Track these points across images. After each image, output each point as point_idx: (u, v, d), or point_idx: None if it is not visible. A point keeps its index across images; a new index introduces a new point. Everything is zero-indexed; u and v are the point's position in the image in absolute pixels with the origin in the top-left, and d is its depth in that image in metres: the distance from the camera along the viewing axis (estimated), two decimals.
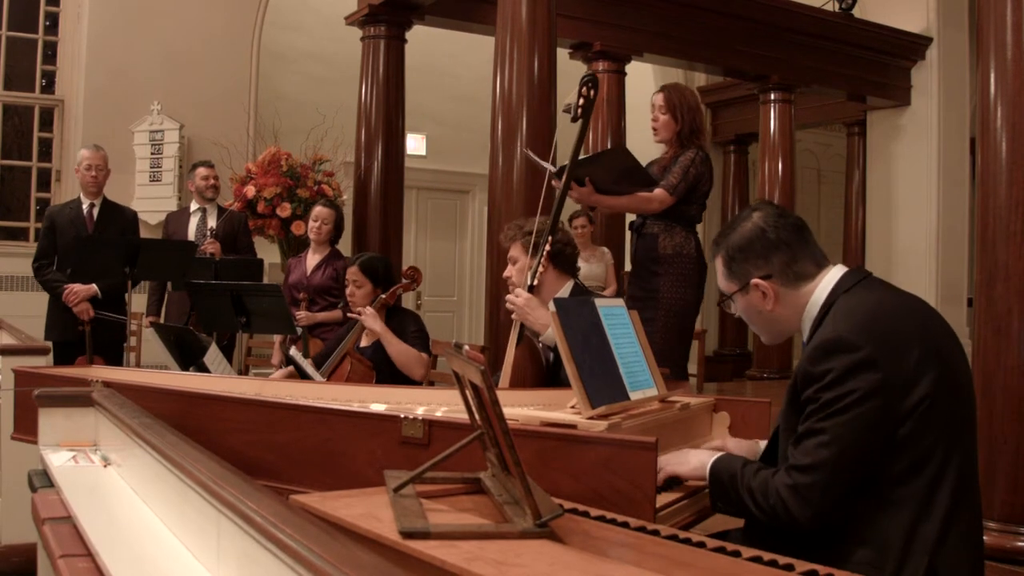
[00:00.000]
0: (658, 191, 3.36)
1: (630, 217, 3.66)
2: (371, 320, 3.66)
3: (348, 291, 3.85)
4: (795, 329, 1.79)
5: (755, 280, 1.76)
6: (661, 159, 3.56)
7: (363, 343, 3.75)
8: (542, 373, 2.87)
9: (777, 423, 1.78)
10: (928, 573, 1.54)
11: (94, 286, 4.70)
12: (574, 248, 3.08)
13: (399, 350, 3.63)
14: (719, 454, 1.80)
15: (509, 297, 2.88)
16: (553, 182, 3.27)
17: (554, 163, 3.50)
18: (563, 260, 3.00)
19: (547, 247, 2.88)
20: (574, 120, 2.87)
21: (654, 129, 3.57)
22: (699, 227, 3.65)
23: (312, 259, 4.96)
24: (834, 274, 1.74)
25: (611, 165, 3.25)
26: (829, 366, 1.58)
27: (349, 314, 3.78)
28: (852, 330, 1.60)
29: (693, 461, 1.81)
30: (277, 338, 4.78)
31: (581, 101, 2.84)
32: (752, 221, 1.78)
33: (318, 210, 4.98)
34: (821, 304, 1.71)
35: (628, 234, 3.85)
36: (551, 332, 2.79)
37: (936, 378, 1.58)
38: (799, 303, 1.75)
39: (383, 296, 3.72)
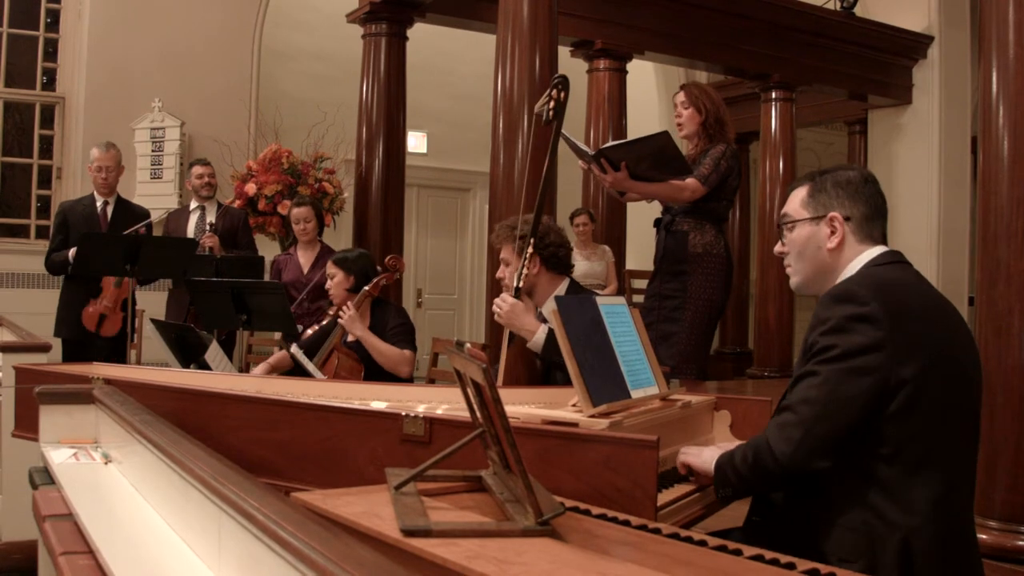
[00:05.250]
0: (690, 180, 3.28)
1: (655, 213, 3.59)
2: (351, 323, 3.65)
3: (327, 285, 3.88)
4: (828, 285, 1.80)
5: (834, 214, 1.78)
6: (687, 155, 3.46)
7: (350, 337, 3.74)
8: (534, 375, 2.87)
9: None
10: (903, 562, 1.55)
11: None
12: (567, 249, 3.06)
13: (382, 351, 3.63)
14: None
15: (496, 302, 2.87)
16: (592, 167, 3.26)
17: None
18: (556, 262, 2.99)
19: (529, 249, 2.85)
20: (546, 123, 2.86)
21: (679, 125, 3.51)
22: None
23: (304, 257, 4.97)
24: (877, 249, 1.78)
25: (648, 151, 3.19)
26: (833, 312, 1.64)
27: (339, 319, 3.75)
28: (863, 286, 1.65)
29: (706, 455, 1.86)
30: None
31: (552, 104, 2.83)
32: (857, 170, 1.84)
33: (296, 211, 5.00)
34: (855, 272, 1.75)
35: (643, 231, 3.78)
36: (538, 338, 2.79)
37: (932, 358, 1.60)
38: (848, 258, 1.78)
39: (367, 288, 3.72)
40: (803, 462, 1.61)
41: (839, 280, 1.77)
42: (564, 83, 2.84)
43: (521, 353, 2.86)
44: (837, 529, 1.60)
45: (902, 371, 1.58)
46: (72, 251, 4.59)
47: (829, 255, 1.78)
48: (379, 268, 3.92)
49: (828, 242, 1.78)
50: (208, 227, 5.21)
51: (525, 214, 3.04)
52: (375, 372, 3.62)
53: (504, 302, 2.83)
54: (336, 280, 3.81)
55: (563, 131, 3.14)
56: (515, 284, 2.87)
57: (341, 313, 3.68)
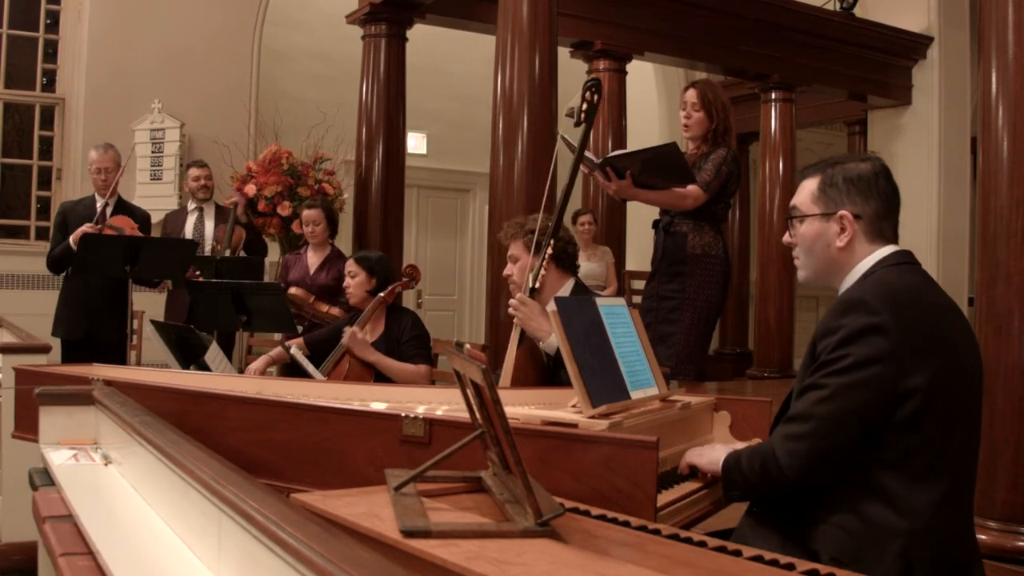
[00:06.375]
0: (692, 187, 3.27)
1: (654, 214, 3.58)
2: (362, 349, 3.54)
3: (344, 283, 3.85)
4: (836, 281, 1.79)
5: (844, 212, 1.74)
6: (687, 155, 3.45)
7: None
8: (543, 375, 2.87)
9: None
10: (903, 568, 1.55)
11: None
12: (575, 246, 3.07)
13: (396, 372, 3.56)
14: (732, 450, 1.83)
15: (512, 303, 2.87)
16: (596, 174, 3.26)
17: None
18: (565, 259, 3.00)
19: (550, 248, 2.87)
20: (577, 124, 2.88)
21: (685, 126, 3.46)
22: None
23: (313, 259, 4.97)
24: (887, 248, 1.75)
25: (654, 161, 3.19)
26: (844, 322, 1.62)
27: (344, 336, 3.67)
28: (875, 295, 1.63)
29: (711, 455, 1.88)
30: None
31: (585, 106, 2.84)
32: (870, 163, 1.78)
33: (307, 213, 4.98)
34: (865, 271, 1.73)
35: (642, 233, 3.78)
36: (552, 340, 2.79)
37: (941, 369, 1.59)
38: (859, 257, 1.75)
39: (382, 294, 3.69)
40: (807, 474, 1.62)
41: (847, 278, 1.75)
42: (597, 86, 2.86)
43: (530, 354, 2.86)
44: (832, 528, 1.60)
45: (910, 381, 1.57)
46: (76, 234, 4.50)
47: (838, 253, 1.76)
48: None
49: (838, 240, 1.75)
50: (212, 225, 5.23)
51: (535, 213, 3.04)
52: (386, 378, 3.59)
53: (523, 304, 2.83)
54: (358, 280, 3.76)
55: (564, 135, 3.15)
56: (531, 284, 2.88)
57: (353, 335, 3.53)
